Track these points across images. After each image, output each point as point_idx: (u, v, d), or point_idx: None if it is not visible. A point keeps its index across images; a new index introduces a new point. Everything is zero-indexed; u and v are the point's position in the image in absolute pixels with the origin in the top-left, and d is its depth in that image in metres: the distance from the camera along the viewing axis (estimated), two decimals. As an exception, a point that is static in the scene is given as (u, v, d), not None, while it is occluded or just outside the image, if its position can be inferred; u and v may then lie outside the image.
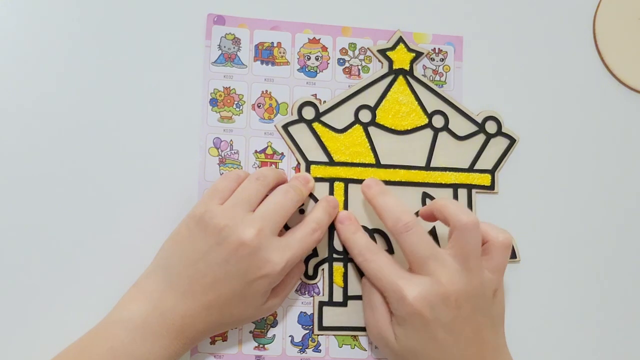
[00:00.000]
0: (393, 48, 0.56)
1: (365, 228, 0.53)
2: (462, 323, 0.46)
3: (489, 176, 0.56)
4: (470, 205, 0.55)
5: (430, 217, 0.50)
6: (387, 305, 0.49)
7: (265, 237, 0.47)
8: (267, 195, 0.50)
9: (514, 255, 0.55)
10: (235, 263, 0.46)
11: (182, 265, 0.47)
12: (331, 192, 0.53)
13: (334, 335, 0.53)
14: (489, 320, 0.48)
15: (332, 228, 0.53)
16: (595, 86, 0.58)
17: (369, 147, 0.54)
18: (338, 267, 0.53)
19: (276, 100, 0.54)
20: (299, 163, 0.54)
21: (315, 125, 0.54)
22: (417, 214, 0.52)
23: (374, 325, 0.50)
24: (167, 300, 0.47)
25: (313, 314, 0.53)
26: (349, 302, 0.53)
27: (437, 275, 0.46)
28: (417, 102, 0.55)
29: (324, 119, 0.54)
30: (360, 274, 0.53)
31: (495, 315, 0.49)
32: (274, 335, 0.52)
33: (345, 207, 0.54)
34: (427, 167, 0.55)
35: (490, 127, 0.56)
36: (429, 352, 0.47)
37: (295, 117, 0.54)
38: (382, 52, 0.56)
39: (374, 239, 0.53)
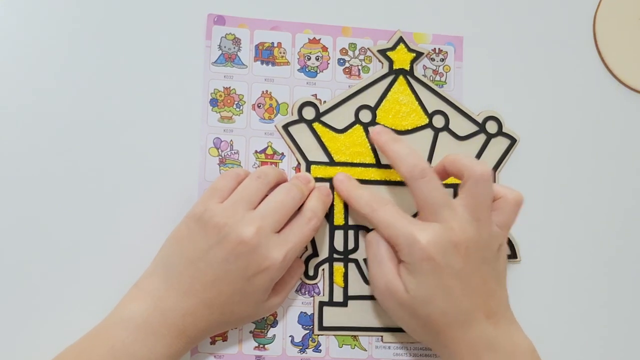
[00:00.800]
0: (393, 48, 0.56)
1: (366, 229, 0.53)
2: (471, 272, 0.47)
3: (489, 176, 0.56)
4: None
5: (442, 174, 0.50)
6: (395, 257, 0.48)
7: (265, 235, 0.47)
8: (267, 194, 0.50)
9: (514, 255, 0.55)
10: (234, 261, 0.46)
11: (183, 264, 0.47)
12: (332, 192, 0.53)
13: (334, 335, 0.53)
14: (495, 274, 0.49)
15: (332, 229, 0.53)
16: (595, 86, 0.58)
17: (369, 147, 0.54)
18: (338, 267, 0.53)
19: (276, 101, 0.54)
20: (299, 163, 0.54)
21: (316, 125, 0.54)
22: None
23: (381, 279, 0.49)
24: (168, 300, 0.47)
25: (313, 314, 0.53)
26: (349, 302, 0.53)
27: (448, 223, 0.47)
28: (417, 102, 0.55)
29: (324, 119, 0.54)
30: (361, 272, 0.53)
31: (500, 270, 0.49)
32: (274, 335, 0.52)
33: (346, 208, 0.53)
34: (428, 167, 0.55)
35: (491, 127, 0.56)
36: (439, 300, 0.46)
37: (296, 117, 0.54)
38: (382, 52, 0.56)
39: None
